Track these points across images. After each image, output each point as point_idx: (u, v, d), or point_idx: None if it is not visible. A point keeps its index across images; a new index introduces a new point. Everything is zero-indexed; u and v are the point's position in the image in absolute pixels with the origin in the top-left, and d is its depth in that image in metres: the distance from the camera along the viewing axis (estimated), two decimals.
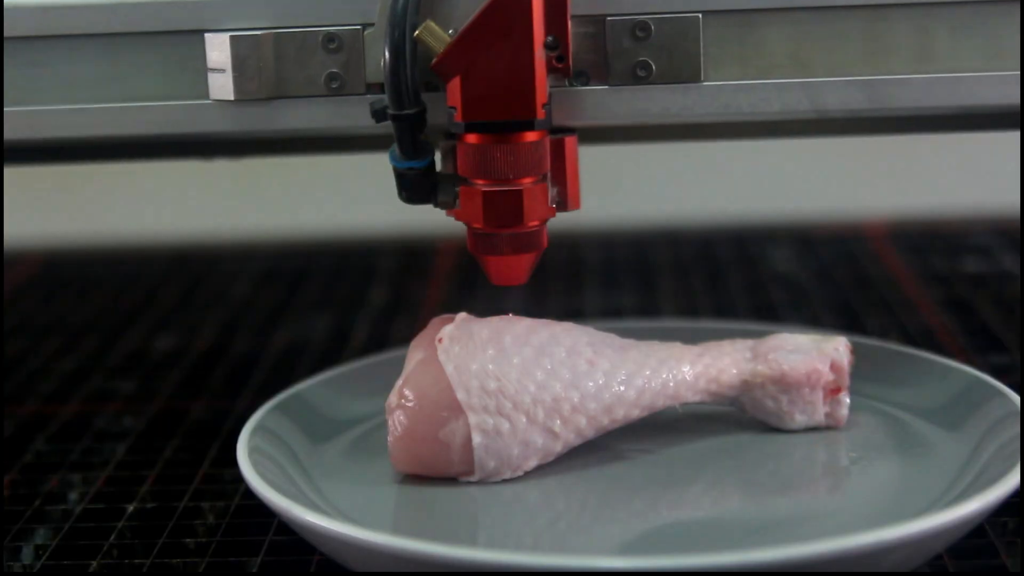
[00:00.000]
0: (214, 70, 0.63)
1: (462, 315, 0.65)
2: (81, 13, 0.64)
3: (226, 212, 1.22)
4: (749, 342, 0.67)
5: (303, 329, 0.92)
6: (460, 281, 1.02)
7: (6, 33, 0.64)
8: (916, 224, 1.12)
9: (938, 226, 1.11)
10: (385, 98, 0.61)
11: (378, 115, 0.62)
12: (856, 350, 0.67)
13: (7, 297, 1.03)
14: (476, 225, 0.63)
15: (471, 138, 0.62)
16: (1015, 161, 0.99)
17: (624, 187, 1.14)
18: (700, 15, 0.62)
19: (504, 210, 0.62)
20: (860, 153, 1.19)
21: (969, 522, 0.56)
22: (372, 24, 0.63)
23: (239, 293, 1.02)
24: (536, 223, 0.63)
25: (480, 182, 0.62)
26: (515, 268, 0.64)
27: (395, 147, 0.62)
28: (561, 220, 0.65)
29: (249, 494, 0.61)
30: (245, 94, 0.63)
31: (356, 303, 0.97)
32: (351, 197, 1.21)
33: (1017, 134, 0.83)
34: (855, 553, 0.52)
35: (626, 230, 1.12)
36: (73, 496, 0.69)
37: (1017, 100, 0.62)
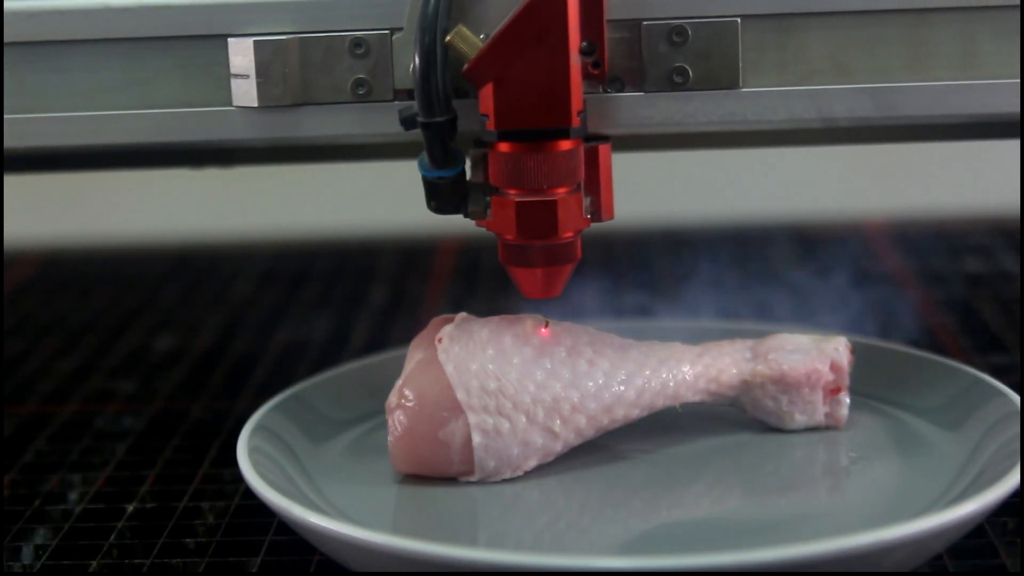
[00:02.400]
0: (237, 76, 0.62)
1: (462, 315, 0.65)
2: (101, 17, 0.62)
3: (226, 212, 1.22)
4: (749, 342, 0.67)
5: (303, 329, 0.92)
6: (460, 281, 1.02)
7: (28, 38, 0.63)
8: (916, 224, 1.12)
9: (938, 226, 1.11)
10: (414, 105, 0.60)
11: (407, 123, 0.60)
12: (856, 350, 0.67)
13: (7, 297, 1.03)
14: (508, 237, 0.61)
15: (504, 146, 0.60)
16: (1015, 161, 0.99)
17: (622, 187, 1.13)
18: (738, 19, 0.60)
19: (538, 221, 0.60)
20: (861, 153, 1.19)
21: (969, 522, 0.56)
22: (400, 28, 0.61)
23: (239, 293, 1.02)
24: (570, 234, 0.61)
25: (513, 192, 0.60)
26: (548, 281, 0.62)
27: (424, 155, 0.61)
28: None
29: (249, 494, 0.61)
30: (269, 100, 0.62)
31: (356, 303, 0.97)
32: (351, 197, 1.21)
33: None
34: (855, 553, 0.52)
35: (625, 230, 1.12)
36: (73, 496, 0.69)
37: None
